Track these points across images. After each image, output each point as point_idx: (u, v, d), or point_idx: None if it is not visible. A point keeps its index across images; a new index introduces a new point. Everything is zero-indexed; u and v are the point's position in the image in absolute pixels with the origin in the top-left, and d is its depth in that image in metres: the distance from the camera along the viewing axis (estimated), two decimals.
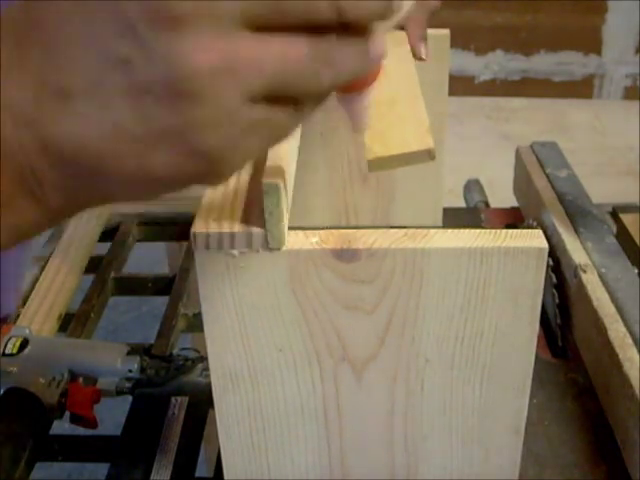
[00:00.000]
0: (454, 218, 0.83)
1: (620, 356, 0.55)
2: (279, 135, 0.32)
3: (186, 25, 0.28)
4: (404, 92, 0.52)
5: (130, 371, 0.63)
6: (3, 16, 0.31)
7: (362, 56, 0.32)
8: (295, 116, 0.32)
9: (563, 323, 0.66)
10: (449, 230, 0.42)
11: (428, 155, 0.48)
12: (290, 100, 0.31)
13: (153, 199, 0.35)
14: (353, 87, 0.36)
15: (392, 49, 0.35)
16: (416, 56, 0.62)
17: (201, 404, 0.62)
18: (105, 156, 0.30)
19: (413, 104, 0.51)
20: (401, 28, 0.64)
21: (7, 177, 0.31)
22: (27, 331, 0.66)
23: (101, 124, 0.30)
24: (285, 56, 0.29)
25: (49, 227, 0.36)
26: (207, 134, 0.30)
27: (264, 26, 0.29)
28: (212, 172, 0.31)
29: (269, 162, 0.41)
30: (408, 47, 0.63)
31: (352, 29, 0.31)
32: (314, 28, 0.30)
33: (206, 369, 0.63)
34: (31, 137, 0.30)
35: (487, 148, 1.55)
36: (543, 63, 2.03)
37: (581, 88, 2.04)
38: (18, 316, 0.72)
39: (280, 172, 0.40)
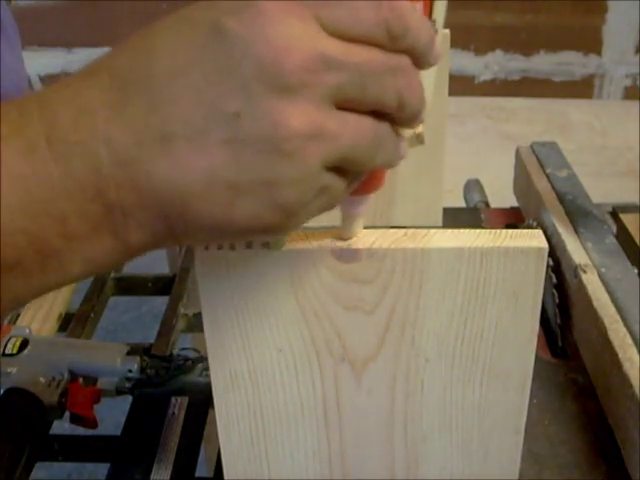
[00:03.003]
0: (454, 218, 0.83)
1: (620, 356, 0.55)
2: (334, 200, 0.35)
3: (293, 92, 0.31)
4: None
5: (130, 371, 0.63)
6: (107, 59, 0.33)
7: (397, 150, 0.36)
8: (345, 186, 0.35)
9: (563, 323, 0.66)
10: (449, 230, 0.42)
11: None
12: (347, 172, 0.34)
13: (222, 243, 0.39)
14: (364, 189, 0.38)
15: None
16: None
17: (201, 404, 0.62)
18: (195, 200, 0.32)
19: None
20: None
21: (95, 212, 0.32)
22: (27, 331, 0.66)
23: (198, 169, 0.31)
24: (357, 134, 0.33)
25: (123, 263, 0.36)
26: (289, 190, 0.32)
27: (345, 105, 0.33)
28: (283, 225, 0.34)
29: None
30: None
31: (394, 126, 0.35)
32: (374, 113, 0.34)
33: (206, 369, 0.63)
34: (126, 176, 0.32)
35: (487, 148, 1.55)
36: (543, 63, 2.03)
37: (581, 88, 2.04)
38: (18, 316, 0.72)
39: None
